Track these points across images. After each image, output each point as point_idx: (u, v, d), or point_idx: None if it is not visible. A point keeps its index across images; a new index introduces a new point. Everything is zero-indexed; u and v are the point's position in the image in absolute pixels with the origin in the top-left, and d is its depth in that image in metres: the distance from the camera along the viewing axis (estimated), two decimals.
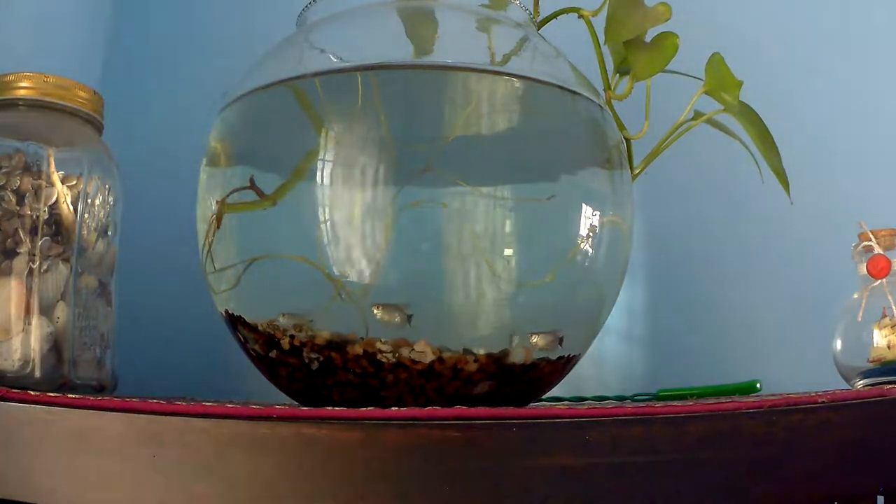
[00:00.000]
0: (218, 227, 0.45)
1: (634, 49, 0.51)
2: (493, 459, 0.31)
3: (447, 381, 0.42)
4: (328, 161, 0.42)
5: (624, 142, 0.50)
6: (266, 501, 0.31)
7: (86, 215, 0.51)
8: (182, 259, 0.58)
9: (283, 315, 0.43)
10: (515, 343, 0.43)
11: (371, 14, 0.48)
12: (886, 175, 0.70)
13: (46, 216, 0.49)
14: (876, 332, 0.55)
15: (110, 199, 0.53)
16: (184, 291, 0.67)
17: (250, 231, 0.45)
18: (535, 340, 0.43)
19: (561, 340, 0.44)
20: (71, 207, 0.50)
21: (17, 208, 0.48)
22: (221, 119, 0.47)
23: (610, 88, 0.51)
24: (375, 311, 0.41)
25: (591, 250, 0.45)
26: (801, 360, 0.68)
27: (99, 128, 0.55)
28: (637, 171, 0.51)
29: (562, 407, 0.42)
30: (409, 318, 0.41)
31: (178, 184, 0.56)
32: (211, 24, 0.81)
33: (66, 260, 0.49)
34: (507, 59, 0.47)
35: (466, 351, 0.42)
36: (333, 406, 0.41)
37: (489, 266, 0.42)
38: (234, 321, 0.46)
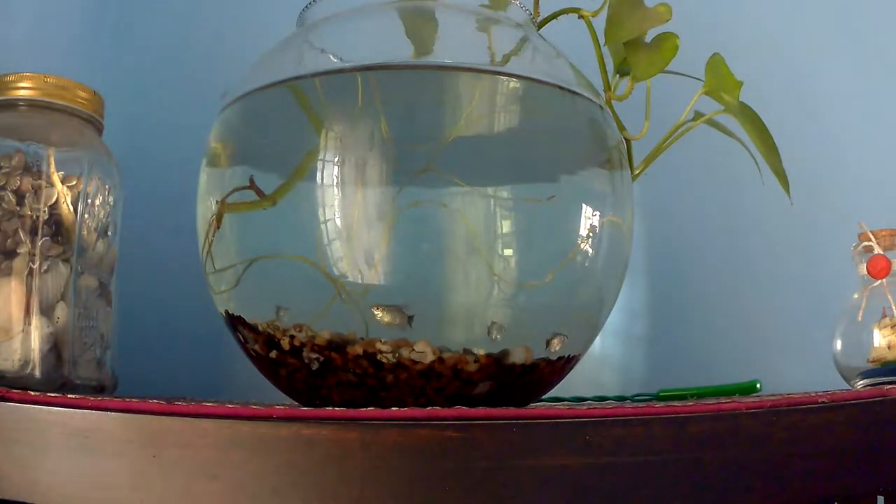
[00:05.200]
0: (218, 227, 0.45)
1: (634, 50, 0.51)
2: (493, 459, 0.31)
3: (447, 381, 0.42)
4: (328, 161, 0.42)
5: (624, 142, 0.50)
6: (266, 501, 0.31)
7: (86, 215, 0.51)
8: (182, 259, 0.58)
9: (281, 309, 0.43)
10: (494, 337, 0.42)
11: (371, 14, 0.48)
12: (886, 175, 0.70)
13: (46, 216, 0.49)
14: (876, 332, 0.55)
15: (110, 199, 0.53)
16: (184, 291, 0.67)
17: (250, 231, 0.45)
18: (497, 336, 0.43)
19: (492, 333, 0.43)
20: (71, 207, 0.50)
21: (17, 208, 0.48)
22: (221, 119, 0.47)
23: (610, 89, 0.51)
24: (376, 313, 0.41)
25: (591, 250, 0.45)
26: (801, 360, 0.68)
27: (99, 128, 0.55)
28: (637, 172, 0.51)
29: (562, 407, 0.42)
30: (411, 319, 0.41)
31: (178, 184, 0.56)
32: (211, 24, 0.81)
33: (66, 260, 0.49)
34: (507, 59, 0.47)
35: (466, 351, 0.42)
36: (333, 406, 0.41)
37: (489, 266, 0.42)
38: (234, 321, 0.46)
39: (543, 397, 0.50)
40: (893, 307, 0.55)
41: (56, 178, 0.49)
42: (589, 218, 0.44)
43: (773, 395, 0.45)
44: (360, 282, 0.41)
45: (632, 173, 0.50)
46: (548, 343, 0.44)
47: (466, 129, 0.43)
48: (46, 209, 0.49)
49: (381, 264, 0.41)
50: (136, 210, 0.58)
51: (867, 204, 0.69)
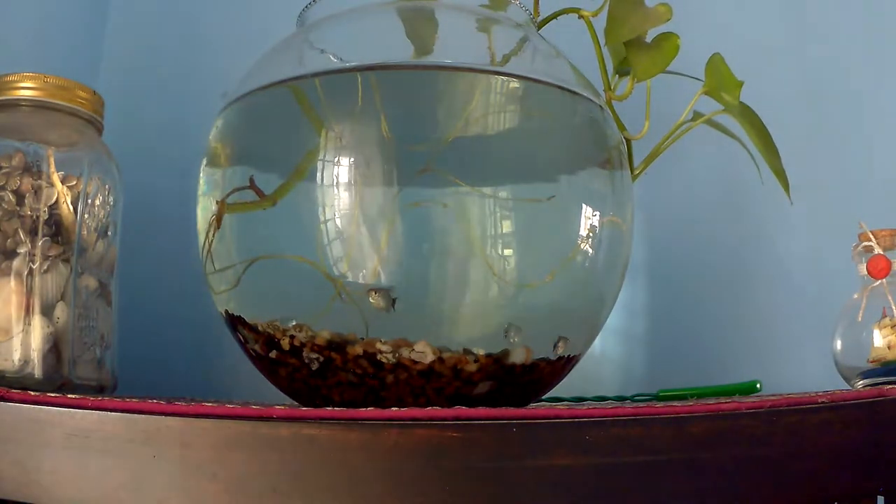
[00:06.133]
0: (218, 227, 0.45)
1: (635, 49, 0.51)
2: (493, 459, 0.31)
3: (447, 381, 0.42)
4: (328, 161, 0.42)
5: (624, 142, 0.50)
6: (266, 501, 0.31)
7: (86, 215, 0.51)
8: (182, 259, 0.58)
9: (281, 309, 0.43)
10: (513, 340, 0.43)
11: (371, 14, 0.48)
12: (886, 175, 0.70)
13: (46, 216, 0.49)
14: (876, 332, 0.55)
15: (110, 199, 0.53)
16: (184, 291, 0.67)
17: (250, 231, 0.45)
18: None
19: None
20: (71, 207, 0.50)
21: (17, 208, 0.48)
22: (221, 119, 0.47)
23: (610, 89, 0.51)
24: (370, 298, 0.41)
25: (591, 250, 0.45)
26: (801, 360, 0.68)
27: (99, 128, 0.55)
28: (637, 172, 0.51)
29: (562, 407, 0.42)
30: (394, 301, 0.41)
31: (178, 184, 0.56)
32: (211, 25, 0.81)
33: (66, 260, 0.49)
34: (507, 59, 0.47)
35: (466, 351, 0.42)
36: (333, 406, 0.41)
37: (489, 266, 0.42)
38: (234, 321, 0.46)
39: (543, 397, 0.50)
40: (893, 307, 0.55)
41: (56, 178, 0.49)
42: (589, 218, 0.44)
43: (773, 395, 0.45)
44: (360, 282, 0.41)
45: (632, 173, 0.50)
46: (554, 346, 0.44)
47: (466, 129, 0.43)
48: (46, 209, 0.49)
49: (381, 264, 0.42)
50: (136, 210, 0.58)
51: (867, 204, 0.69)
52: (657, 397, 0.60)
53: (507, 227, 0.43)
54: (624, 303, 0.71)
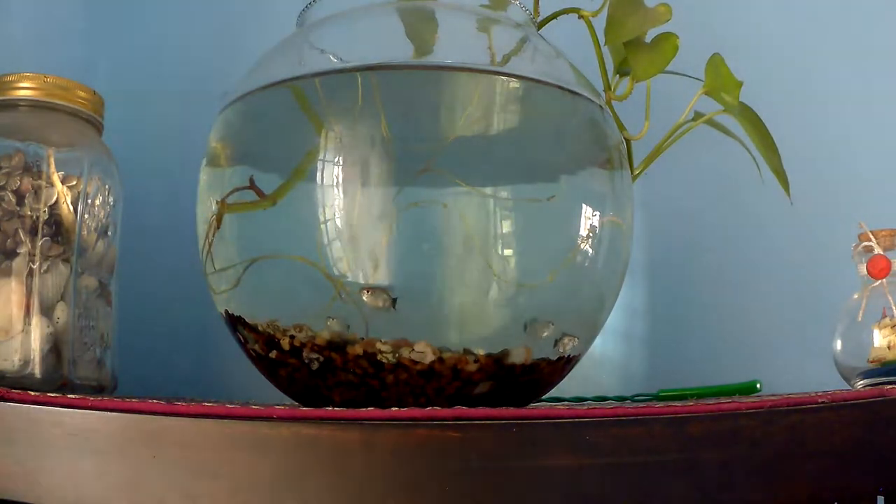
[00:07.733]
0: (218, 227, 0.45)
1: (634, 50, 0.51)
2: (493, 459, 0.31)
3: (447, 381, 0.42)
4: (328, 161, 0.42)
5: (624, 142, 0.50)
6: (266, 501, 0.31)
7: (86, 215, 0.51)
8: (182, 259, 0.58)
9: (281, 309, 0.43)
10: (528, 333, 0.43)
11: (371, 14, 0.48)
12: (886, 175, 0.70)
13: (46, 216, 0.49)
14: (876, 332, 0.55)
15: (110, 199, 0.53)
16: (184, 291, 0.67)
17: (250, 231, 0.45)
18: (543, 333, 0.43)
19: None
20: (71, 208, 0.50)
21: (17, 209, 0.48)
22: (221, 119, 0.47)
23: (610, 89, 0.51)
24: (364, 296, 0.41)
25: (591, 250, 0.45)
26: (801, 360, 0.68)
27: (99, 128, 0.55)
28: (637, 172, 0.51)
29: (562, 407, 0.42)
30: (394, 301, 0.41)
31: (178, 184, 0.56)
32: (211, 24, 0.81)
33: (66, 260, 0.49)
34: (507, 59, 0.47)
35: (466, 351, 0.42)
36: (333, 406, 0.41)
37: (489, 266, 0.42)
38: (234, 321, 0.46)
39: (543, 397, 0.50)
40: (893, 307, 0.55)
41: (56, 178, 0.49)
42: (589, 218, 0.44)
43: (773, 395, 0.45)
44: (360, 282, 0.41)
45: (632, 173, 0.50)
46: (556, 344, 0.44)
47: (466, 129, 0.43)
48: (46, 209, 0.49)
49: (381, 264, 0.41)
50: (136, 210, 0.58)
51: (867, 204, 0.69)
52: (657, 397, 0.60)
53: (507, 227, 0.43)
54: (624, 303, 0.71)
